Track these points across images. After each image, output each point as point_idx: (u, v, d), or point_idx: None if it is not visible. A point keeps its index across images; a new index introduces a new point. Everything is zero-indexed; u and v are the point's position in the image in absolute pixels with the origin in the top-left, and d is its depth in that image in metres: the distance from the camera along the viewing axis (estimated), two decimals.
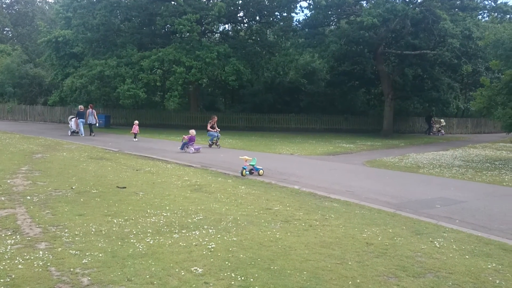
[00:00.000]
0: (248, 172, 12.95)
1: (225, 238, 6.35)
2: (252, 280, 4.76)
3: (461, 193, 11.04)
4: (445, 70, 36.70)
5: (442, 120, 39.42)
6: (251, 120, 38.05)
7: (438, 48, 31.45)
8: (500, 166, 17.02)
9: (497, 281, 4.93)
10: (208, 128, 21.31)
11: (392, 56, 36.44)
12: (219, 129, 21.62)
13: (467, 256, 5.83)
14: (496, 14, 32.72)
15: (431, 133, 38.09)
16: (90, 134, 26.08)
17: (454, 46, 29.02)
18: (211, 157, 17.36)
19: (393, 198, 10.18)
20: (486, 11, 33.63)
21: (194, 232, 6.59)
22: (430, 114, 39.36)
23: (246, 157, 13.21)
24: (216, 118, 21.80)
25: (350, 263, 5.42)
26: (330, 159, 18.15)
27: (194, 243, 6.05)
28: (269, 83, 38.81)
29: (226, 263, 5.29)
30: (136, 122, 24.98)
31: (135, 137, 23.94)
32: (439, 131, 38.42)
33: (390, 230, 7.09)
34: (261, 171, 13.07)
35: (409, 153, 21.49)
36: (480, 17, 35.19)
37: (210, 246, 5.90)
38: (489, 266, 5.44)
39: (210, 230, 6.72)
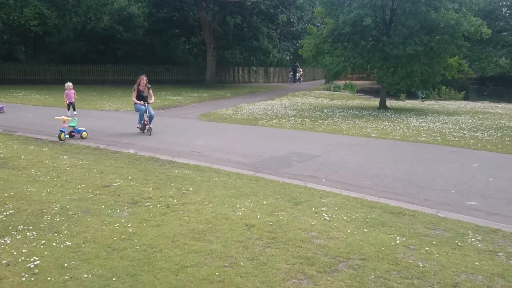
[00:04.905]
0: (68, 136, 10.69)
1: (54, 244, 4.34)
2: None
3: (310, 145, 10.50)
4: (263, 20, 37.00)
5: (301, 69, 44.42)
6: (60, 72, 33.39)
7: None
8: (330, 114, 17.38)
9: (421, 264, 4.06)
10: (133, 97, 12.30)
11: (212, 3, 35.24)
12: (152, 99, 12.36)
13: (365, 230, 4.93)
14: None
15: (295, 81, 42.97)
16: None
17: None
18: (15, 117, 14.16)
19: (245, 157, 9.09)
20: None
21: (3, 240, 4.43)
22: (296, 64, 43.79)
23: (64, 117, 10.76)
24: (145, 80, 12.29)
25: (241, 263, 4.00)
26: (161, 114, 16.37)
27: (4, 261, 3.95)
28: (80, 30, 34.13)
29: None
30: (69, 84, 15.34)
31: (70, 109, 15.31)
32: (299, 79, 43.73)
33: (265, 202, 5.89)
34: (84, 133, 10.92)
35: (240, 104, 20.91)
36: None
37: (32, 265, 3.87)
38: (397, 242, 4.59)
39: (28, 233, 4.60)
